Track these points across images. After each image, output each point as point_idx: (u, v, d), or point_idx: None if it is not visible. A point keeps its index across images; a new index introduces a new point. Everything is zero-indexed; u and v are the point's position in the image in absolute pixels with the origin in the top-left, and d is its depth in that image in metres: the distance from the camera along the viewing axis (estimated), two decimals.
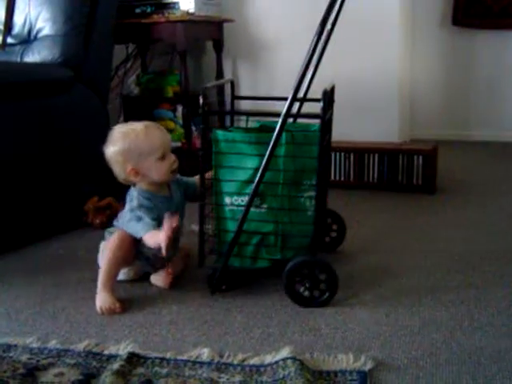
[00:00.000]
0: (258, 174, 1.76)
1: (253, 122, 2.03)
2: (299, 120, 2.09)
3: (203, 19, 3.29)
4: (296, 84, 1.74)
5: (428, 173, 3.01)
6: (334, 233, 2.25)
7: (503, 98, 4.48)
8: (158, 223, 1.83)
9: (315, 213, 1.84)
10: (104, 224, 2.54)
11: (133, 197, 1.93)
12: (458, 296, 1.85)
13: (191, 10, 3.16)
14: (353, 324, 1.69)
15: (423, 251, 2.23)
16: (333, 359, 1.48)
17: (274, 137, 1.74)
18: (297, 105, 2.05)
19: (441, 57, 4.50)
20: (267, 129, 1.97)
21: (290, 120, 1.97)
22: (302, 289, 1.80)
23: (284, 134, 1.78)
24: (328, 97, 1.77)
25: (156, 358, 1.50)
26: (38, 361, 1.51)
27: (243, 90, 3.77)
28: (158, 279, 1.98)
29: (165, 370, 1.46)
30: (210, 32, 3.49)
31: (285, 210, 1.86)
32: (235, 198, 1.86)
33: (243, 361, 1.48)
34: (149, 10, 3.22)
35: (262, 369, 1.45)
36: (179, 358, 1.50)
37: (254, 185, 1.77)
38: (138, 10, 3.23)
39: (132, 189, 1.96)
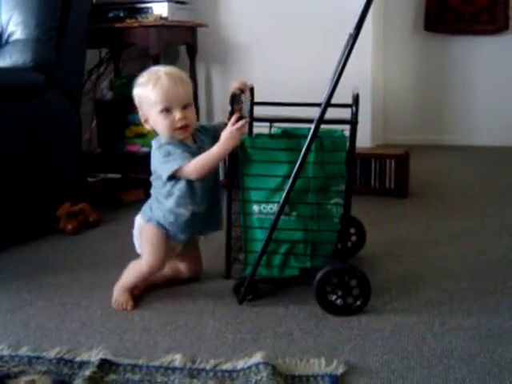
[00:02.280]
0: (290, 181, 1.74)
1: (274, 129, 1.99)
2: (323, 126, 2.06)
3: (176, 24, 3.29)
4: (330, 90, 1.72)
5: (400, 177, 3.03)
6: (353, 237, 2.23)
7: (475, 102, 4.53)
8: None
9: (343, 219, 1.83)
10: (76, 230, 2.53)
11: (153, 145, 1.86)
12: (429, 300, 1.86)
13: (164, 15, 3.15)
14: (325, 328, 1.70)
15: (395, 255, 2.24)
16: (305, 364, 1.49)
17: (306, 143, 1.72)
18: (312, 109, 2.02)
19: (413, 62, 4.55)
20: (290, 135, 1.96)
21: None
22: (334, 297, 1.79)
23: (307, 141, 1.74)
24: (357, 101, 1.76)
25: (128, 364, 1.50)
26: (8, 368, 1.49)
27: (216, 95, 3.78)
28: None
29: (137, 377, 1.45)
30: (184, 36, 3.49)
31: (314, 217, 1.84)
32: (263, 206, 1.83)
33: (215, 366, 1.48)
34: (122, 14, 3.20)
35: (234, 374, 1.45)
36: (151, 364, 1.50)
37: (285, 192, 1.74)
38: (110, 15, 3.21)
39: (152, 141, 1.88)
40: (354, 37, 1.69)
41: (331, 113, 1.75)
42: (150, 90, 1.81)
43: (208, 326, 1.72)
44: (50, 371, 1.48)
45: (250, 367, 1.45)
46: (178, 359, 1.51)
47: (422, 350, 1.56)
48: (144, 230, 1.89)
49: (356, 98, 1.76)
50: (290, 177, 1.75)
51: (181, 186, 1.82)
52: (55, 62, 2.66)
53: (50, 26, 2.65)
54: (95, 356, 1.53)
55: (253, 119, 1.90)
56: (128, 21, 3.13)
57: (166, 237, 1.88)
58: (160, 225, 1.86)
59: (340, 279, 1.77)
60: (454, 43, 4.52)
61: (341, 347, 1.59)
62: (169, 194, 1.84)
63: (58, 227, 2.54)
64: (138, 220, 1.93)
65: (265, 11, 3.72)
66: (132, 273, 1.91)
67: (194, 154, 1.80)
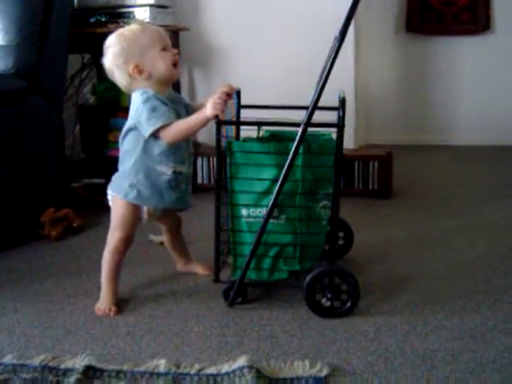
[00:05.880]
0: (278, 185, 1.74)
1: (261, 131, 2.00)
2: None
3: None
4: (317, 93, 1.72)
5: (383, 178, 3.05)
6: (341, 240, 2.24)
7: (457, 102, 4.56)
8: None
9: (332, 221, 1.84)
10: (60, 236, 2.53)
11: (138, 95, 1.82)
12: (412, 300, 1.88)
13: (146, 19, 3.15)
14: (309, 330, 1.71)
15: (379, 256, 2.26)
16: (289, 366, 1.50)
17: (294, 147, 1.72)
18: (296, 112, 2.03)
19: (396, 62, 4.57)
20: (277, 138, 1.96)
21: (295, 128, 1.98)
22: (323, 300, 1.79)
23: (294, 144, 1.75)
24: (344, 105, 1.77)
25: (113, 370, 1.50)
26: None
27: (199, 98, 3.77)
28: (198, 267, 2.10)
29: (122, 383, 1.46)
30: None
31: (303, 220, 1.85)
32: (252, 209, 1.84)
33: (200, 370, 1.49)
34: (103, 19, 3.20)
35: (218, 378, 1.45)
36: (136, 369, 1.50)
37: (274, 196, 1.75)
38: (92, 20, 3.21)
39: (135, 92, 1.85)
40: (340, 40, 1.69)
41: (315, 115, 1.76)
42: (140, 36, 1.83)
43: (192, 330, 1.73)
44: (35, 379, 1.48)
45: (234, 371, 1.46)
46: (162, 364, 1.51)
47: (405, 351, 1.58)
48: (114, 204, 1.90)
49: (343, 102, 1.77)
50: (277, 180, 1.75)
51: (162, 142, 1.81)
52: (37, 68, 2.65)
53: (31, 32, 2.64)
54: (80, 363, 1.53)
55: (240, 123, 1.90)
56: (110, 25, 3.12)
57: (137, 209, 1.88)
58: (130, 197, 1.85)
59: (331, 281, 1.78)
60: (435, 44, 4.54)
61: (325, 349, 1.60)
62: (144, 152, 1.83)
63: (42, 233, 2.53)
64: (110, 194, 1.92)
65: (246, 14, 3.73)
66: (107, 259, 1.90)
67: (178, 107, 1.85)
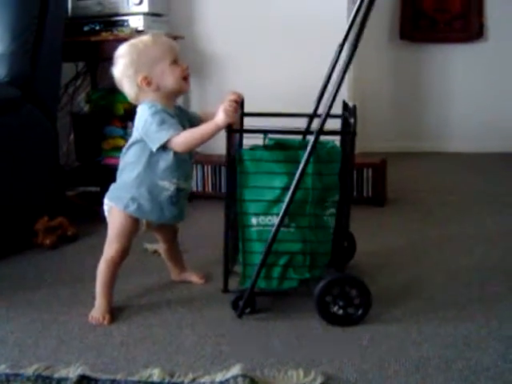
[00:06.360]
0: (290, 193, 1.73)
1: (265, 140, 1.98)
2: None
3: None
4: (330, 101, 1.72)
5: (377, 185, 3.05)
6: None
7: (450, 109, 4.58)
8: None
9: (341, 229, 1.84)
10: (55, 244, 2.52)
11: (146, 108, 1.81)
12: (406, 308, 1.88)
13: (140, 28, 3.15)
14: (303, 339, 1.70)
15: (373, 265, 2.26)
16: (283, 375, 1.50)
17: (306, 154, 1.71)
18: (293, 120, 2.05)
19: (389, 70, 4.59)
20: (282, 146, 1.96)
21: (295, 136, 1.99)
22: (335, 308, 1.78)
23: (307, 152, 1.74)
24: (355, 112, 1.79)
25: (107, 379, 1.50)
26: None
27: (193, 107, 3.77)
28: (193, 276, 2.12)
29: None
30: None
31: (312, 228, 1.84)
32: (262, 218, 1.83)
33: (194, 380, 1.48)
34: (97, 27, 3.20)
35: None
36: (130, 379, 1.49)
37: (285, 204, 1.74)
38: (86, 28, 3.21)
39: (142, 104, 1.85)
40: (353, 48, 1.72)
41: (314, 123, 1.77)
42: (150, 47, 1.84)
43: (186, 339, 1.72)
44: None
45: (228, 380, 1.45)
46: (156, 373, 1.50)
47: (400, 359, 1.58)
48: (112, 214, 1.89)
49: (354, 109, 1.78)
50: (288, 189, 1.75)
51: (168, 156, 1.81)
52: (31, 77, 2.65)
53: (25, 41, 2.64)
54: (73, 372, 1.52)
55: (251, 131, 1.88)
56: (104, 34, 3.13)
57: (135, 221, 1.88)
58: (130, 209, 1.85)
59: (342, 289, 1.77)
60: (429, 51, 4.57)
61: (319, 358, 1.59)
62: (149, 165, 1.83)
63: (36, 242, 2.52)
64: (106, 202, 1.91)
65: (240, 23, 3.74)
66: (102, 269, 1.89)
67: (182, 122, 1.84)
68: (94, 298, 1.91)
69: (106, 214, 1.92)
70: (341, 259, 1.86)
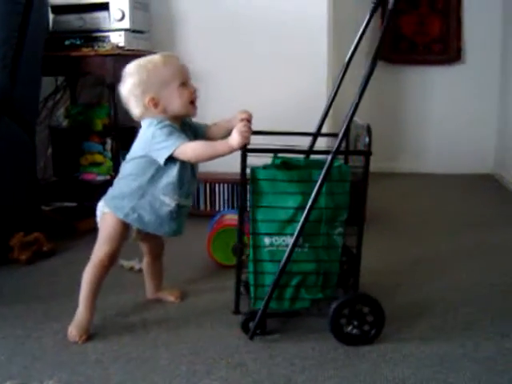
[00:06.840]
0: (305, 213, 1.72)
1: (269, 159, 1.96)
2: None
3: (133, 53, 3.28)
4: (347, 121, 1.75)
5: (356, 204, 3.05)
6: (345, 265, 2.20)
7: (427, 131, 4.63)
8: None
9: (357, 248, 1.84)
10: (30, 260, 2.50)
11: (154, 121, 1.80)
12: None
13: (121, 44, 3.15)
14: (279, 358, 1.70)
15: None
16: None
17: (322, 174, 1.71)
18: (289, 138, 2.03)
19: (368, 90, 4.59)
20: (288, 165, 1.94)
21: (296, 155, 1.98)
22: (349, 328, 1.78)
23: (323, 172, 1.74)
24: (370, 132, 1.82)
25: None
26: None
27: None
28: (169, 295, 2.10)
29: None
30: None
31: (325, 248, 1.83)
32: (275, 238, 1.81)
33: None
34: (78, 42, 3.19)
35: None
36: None
37: (301, 224, 1.72)
38: (67, 43, 3.20)
39: (149, 119, 1.83)
40: (371, 67, 1.82)
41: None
42: (161, 69, 1.82)
43: (162, 357, 1.71)
44: None
45: None
46: None
47: (375, 379, 1.58)
48: (104, 219, 1.88)
49: (368, 129, 1.81)
50: (301, 208, 1.74)
51: (172, 172, 1.81)
52: (9, 91, 2.64)
53: (3, 55, 2.62)
54: None
55: (267, 150, 1.84)
56: (84, 49, 3.12)
57: (127, 228, 1.87)
58: (130, 219, 1.85)
59: (355, 308, 1.77)
60: (407, 73, 4.63)
61: (294, 378, 1.59)
62: (152, 179, 1.82)
63: (12, 257, 2.50)
64: (101, 209, 1.91)
65: (221, 40, 3.75)
66: (89, 274, 1.87)
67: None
68: (69, 314, 1.89)
69: (98, 219, 1.91)
70: (357, 278, 1.86)
